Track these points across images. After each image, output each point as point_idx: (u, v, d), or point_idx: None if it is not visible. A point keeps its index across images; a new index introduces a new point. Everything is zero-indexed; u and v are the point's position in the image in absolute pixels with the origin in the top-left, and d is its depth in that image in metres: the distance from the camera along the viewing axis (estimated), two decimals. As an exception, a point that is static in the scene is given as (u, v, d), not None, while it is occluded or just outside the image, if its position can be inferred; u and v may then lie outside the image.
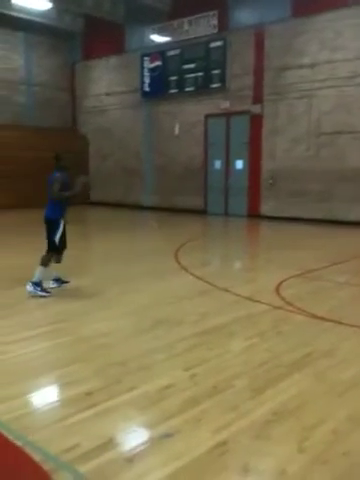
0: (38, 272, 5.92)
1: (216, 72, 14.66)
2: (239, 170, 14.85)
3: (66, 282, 6.36)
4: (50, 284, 6.20)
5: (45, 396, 3.60)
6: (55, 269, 6.35)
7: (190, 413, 3.22)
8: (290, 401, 3.40)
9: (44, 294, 5.88)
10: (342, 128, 12.65)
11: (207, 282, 6.76)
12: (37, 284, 5.90)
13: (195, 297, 6.13)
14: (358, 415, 3.22)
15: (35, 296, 5.86)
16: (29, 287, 5.89)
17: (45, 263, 5.97)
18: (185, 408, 3.28)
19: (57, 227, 5.94)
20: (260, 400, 3.41)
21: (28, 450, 2.80)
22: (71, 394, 3.51)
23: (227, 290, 6.35)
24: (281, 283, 6.70)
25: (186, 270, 7.54)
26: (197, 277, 7.07)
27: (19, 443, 2.87)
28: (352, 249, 9.69)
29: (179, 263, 8.05)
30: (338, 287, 6.67)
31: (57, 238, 5.94)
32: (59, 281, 6.34)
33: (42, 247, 6.11)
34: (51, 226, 5.97)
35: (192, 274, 7.27)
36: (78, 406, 3.31)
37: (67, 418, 3.16)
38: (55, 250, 6.02)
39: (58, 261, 6.21)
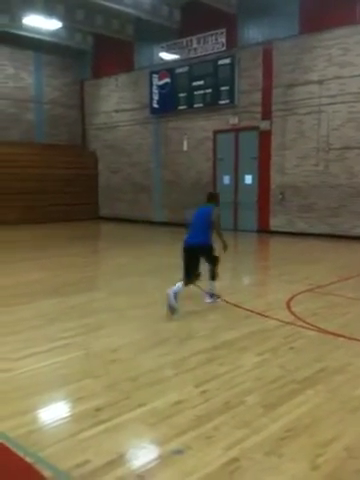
0: (211, 286, 6.50)
1: (225, 89, 14.76)
2: (248, 185, 14.87)
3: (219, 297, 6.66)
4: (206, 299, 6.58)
5: (54, 412, 3.57)
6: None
7: (201, 429, 3.18)
8: (303, 417, 3.35)
9: (219, 300, 6.48)
10: (351, 143, 12.65)
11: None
12: (212, 295, 6.49)
13: (206, 312, 6.10)
14: (372, 432, 3.16)
15: (213, 303, 6.39)
16: (208, 299, 6.50)
17: (215, 277, 6.51)
18: (196, 424, 3.24)
19: (213, 250, 6.48)
20: (273, 416, 3.36)
21: (38, 467, 2.77)
22: (81, 410, 3.48)
23: (238, 305, 6.31)
24: (292, 298, 6.66)
25: (197, 285, 7.50)
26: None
27: (29, 460, 2.85)
28: (362, 264, 9.61)
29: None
30: (349, 303, 6.60)
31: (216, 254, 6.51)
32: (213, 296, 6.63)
33: (50, 263, 6.12)
34: (208, 251, 6.43)
35: (203, 289, 7.23)
36: (88, 422, 3.29)
37: (77, 434, 3.14)
38: (218, 262, 6.55)
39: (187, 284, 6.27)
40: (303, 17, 13.12)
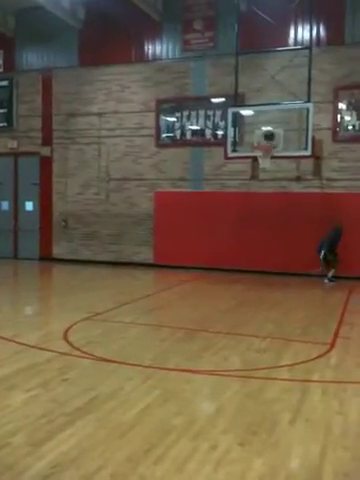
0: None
1: (2, 111, 14.30)
2: (29, 212, 14.46)
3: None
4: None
5: None
6: None
7: None
8: (70, 451, 3.30)
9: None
10: (129, 175, 13.30)
11: (-11, 332, 6.31)
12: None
13: (-26, 350, 5.65)
14: (136, 455, 3.26)
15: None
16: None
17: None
18: None
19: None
20: (38, 454, 3.24)
21: None
22: None
23: (11, 339, 6.00)
24: (70, 327, 6.61)
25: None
26: (-22, 327, 6.56)
27: None
28: (139, 289, 10.12)
29: None
30: (125, 327, 6.84)
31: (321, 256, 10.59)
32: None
33: None
34: None
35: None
36: None
37: None
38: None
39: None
40: (82, 50, 13.49)
